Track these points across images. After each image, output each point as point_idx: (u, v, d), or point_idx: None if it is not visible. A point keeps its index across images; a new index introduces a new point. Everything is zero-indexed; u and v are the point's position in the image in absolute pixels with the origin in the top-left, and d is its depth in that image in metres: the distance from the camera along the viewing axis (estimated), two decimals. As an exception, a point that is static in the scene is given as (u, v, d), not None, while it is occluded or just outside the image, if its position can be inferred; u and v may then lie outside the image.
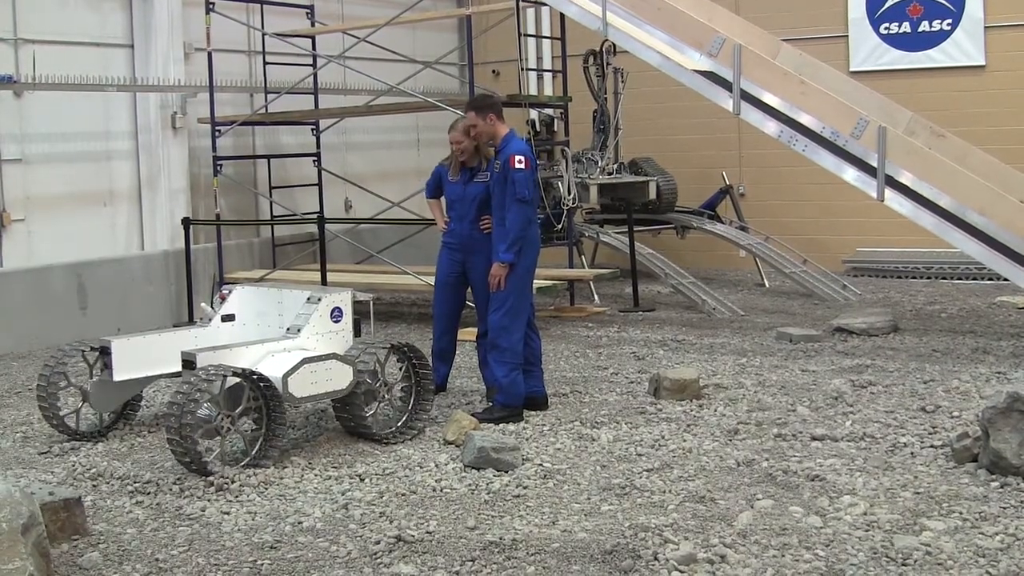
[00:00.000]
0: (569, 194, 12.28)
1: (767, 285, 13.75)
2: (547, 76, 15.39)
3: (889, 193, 9.50)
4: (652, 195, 13.58)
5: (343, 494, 6.10)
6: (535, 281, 11.27)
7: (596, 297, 12.87)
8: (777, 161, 14.35)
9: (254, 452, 6.60)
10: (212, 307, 7.83)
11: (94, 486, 6.41)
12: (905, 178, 9.48)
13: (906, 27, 14.32)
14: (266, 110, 13.43)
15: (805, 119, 9.87)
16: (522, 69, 12.96)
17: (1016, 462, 5.91)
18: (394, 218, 12.65)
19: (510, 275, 7.70)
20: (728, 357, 9.51)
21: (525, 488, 6.11)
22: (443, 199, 8.37)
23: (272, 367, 6.74)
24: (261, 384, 6.58)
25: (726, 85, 10.16)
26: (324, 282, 11.27)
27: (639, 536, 5.27)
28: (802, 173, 13.74)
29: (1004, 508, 5.54)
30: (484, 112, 7.82)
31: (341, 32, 13.95)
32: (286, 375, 6.65)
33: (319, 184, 14.16)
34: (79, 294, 11.49)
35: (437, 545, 5.28)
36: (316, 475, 6.46)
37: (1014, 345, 9.63)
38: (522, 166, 7.61)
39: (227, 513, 5.83)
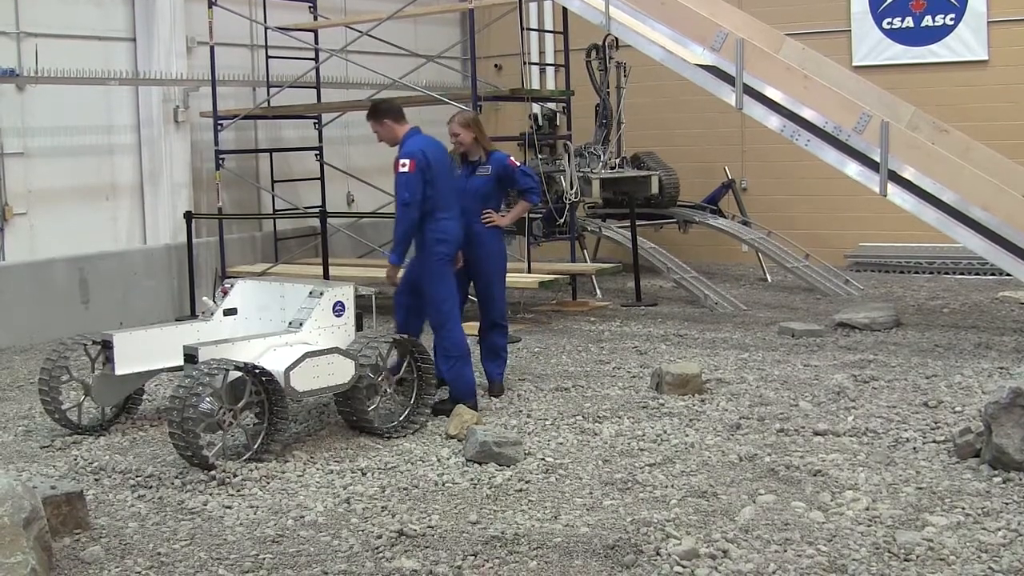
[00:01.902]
0: (571, 188, 12.28)
1: (769, 280, 13.74)
2: (549, 70, 15.39)
3: (892, 188, 9.49)
4: (654, 189, 13.56)
5: (345, 488, 6.10)
6: (543, 276, 11.37)
7: (598, 291, 12.88)
8: (780, 156, 14.33)
9: (256, 446, 6.60)
10: (214, 301, 7.84)
11: (96, 480, 6.41)
12: (908, 173, 9.47)
13: (909, 22, 14.30)
14: (268, 104, 13.42)
15: (808, 114, 9.85)
16: (525, 63, 12.96)
17: (1019, 457, 5.90)
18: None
19: (425, 274, 7.71)
20: (730, 352, 9.51)
21: (527, 483, 6.11)
22: None
23: (274, 361, 6.74)
24: (263, 378, 6.58)
25: (729, 80, 10.15)
26: (326, 276, 11.28)
27: (641, 531, 5.27)
28: (804, 168, 13.74)
29: (1006, 504, 5.53)
30: (379, 118, 7.88)
31: (343, 26, 13.93)
32: (288, 369, 6.65)
33: (321, 178, 14.15)
34: (81, 288, 11.49)
35: (439, 539, 5.28)
36: (318, 469, 6.46)
37: (1016, 340, 9.62)
38: (404, 169, 7.54)
39: (229, 507, 5.84)
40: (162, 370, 7.47)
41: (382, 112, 7.92)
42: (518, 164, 8.31)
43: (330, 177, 14.25)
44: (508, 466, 6.38)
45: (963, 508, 5.48)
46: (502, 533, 5.30)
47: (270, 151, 14.01)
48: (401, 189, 7.57)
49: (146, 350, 7.26)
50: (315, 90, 14.01)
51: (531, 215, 12.16)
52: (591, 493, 5.92)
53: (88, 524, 5.56)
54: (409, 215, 7.58)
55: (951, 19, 14.05)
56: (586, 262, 13.26)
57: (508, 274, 11.27)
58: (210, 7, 12.70)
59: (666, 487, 5.97)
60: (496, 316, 8.22)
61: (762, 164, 15.06)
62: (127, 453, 6.95)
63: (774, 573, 4.78)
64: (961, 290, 12.55)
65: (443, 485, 6.13)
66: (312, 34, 13.96)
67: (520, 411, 7.67)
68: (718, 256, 15.22)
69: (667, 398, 7.86)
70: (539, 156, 12.89)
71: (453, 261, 7.81)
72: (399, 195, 7.59)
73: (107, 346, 7.21)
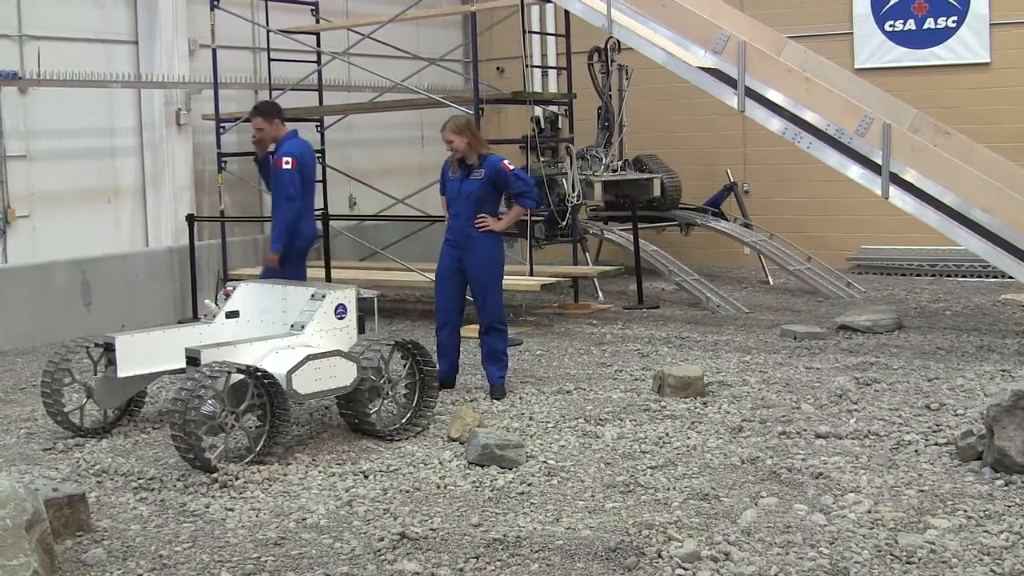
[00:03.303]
0: (573, 191, 12.28)
1: (771, 282, 13.74)
2: (552, 73, 15.40)
3: (894, 190, 9.48)
4: (656, 192, 13.57)
5: (347, 491, 6.10)
6: (545, 278, 11.41)
7: (600, 294, 12.87)
8: (781, 158, 14.34)
9: (258, 449, 6.60)
10: (216, 304, 7.83)
11: (98, 482, 6.42)
12: (910, 175, 9.46)
13: (911, 24, 14.30)
14: (270, 106, 13.41)
15: (810, 116, 9.85)
16: (527, 66, 12.95)
17: (1020, 460, 5.89)
18: (398, 215, 12.66)
19: (285, 262, 8.63)
20: (732, 354, 9.51)
21: (529, 485, 6.11)
22: None
23: (276, 364, 6.74)
24: (265, 381, 6.58)
25: (731, 82, 10.14)
26: (328, 279, 11.27)
27: (643, 533, 5.26)
28: (806, 170, 13.73)
29: (1009, 506, 5.53)
30: (271, 117, 8.82)
31: (346, 29, 13.94)
32: (290, 372, 6.66)
33: (323, 181, 14.11)
34: (83, 290, 11.50)
35: (441, 542, 5.28)
36: (320, 472, 6.46)
37: (1019, 343, 9.61)
38: (288, 166, 8.58)
39: (231, 510, 5.84)
40: (164, 373, 7.47)
41: (274, 112, 8.92)
42: (512, 168, 8.31)
43: (332, 180, 14.24)
44: (510, 469, 6.38)
45: (965, 511, 5.48)
46: (504, 536, 5.30)
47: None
48: (287, 184, 8.60)
49: (148, 353, 7.26)
50: (317, 93, 14.02)
51: (533, 218, 12.16)
52: (593, 496, 5.92)
53: (90, 526, 5.56)
54: (293, 207, 8.63)
55: (953, 21, 14.05)
56: (588, 265, 13.26)
57: (510, 277, 11.32)
58: (212, 10, 12.71)
59: (668, 490, 5.96)
60: (492, 320, 8.24)
61: (764, 167, 15.06)
62: (129, 455, 6.95)
63: (776, 576, 4.79)
64: (963, 293, 12.55)
65: (445, 488, 6.13)
66: (314, 37, 13.97)
67: (522, 414, 7.67)
68: (720, 259, 15.22)
69: (669, 401, 7.86)
70: (541, 159, 12.89)
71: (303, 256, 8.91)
72: (284, 189, 8.59)
73: (109, 348, 7.21)
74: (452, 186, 8.28)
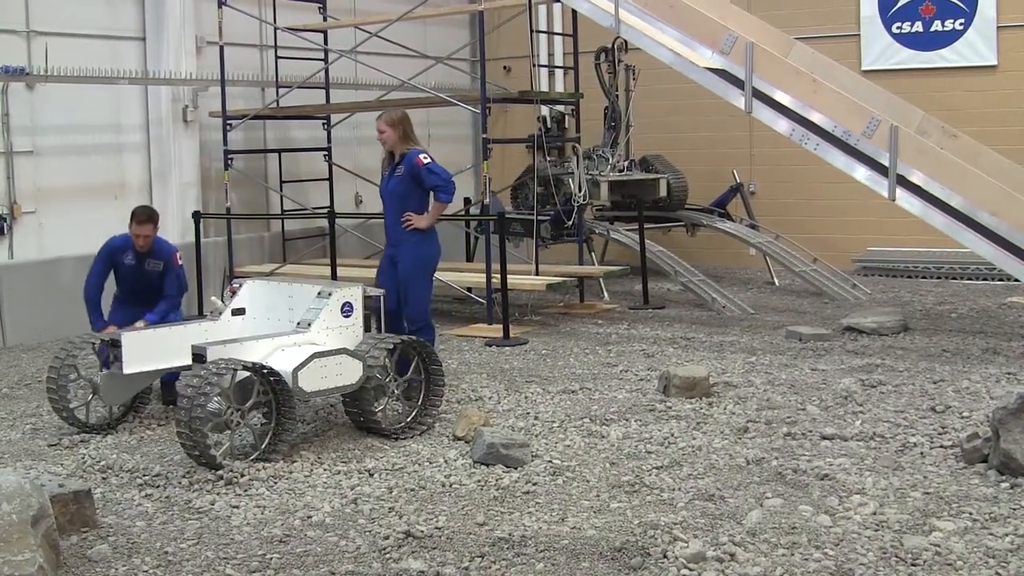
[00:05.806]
0: (580, 191, 12.27)
1: (777, 283, 13.72)
2: (559, 72, 15.40)
3: (900, 192, 9.48)
4: (663, 192, 13.56)
5: (352, 489, 6.11)
6: (551, 278, 11.42)
7: (606, 294, 12.87)
8: (788, 160, 14.32)
9: (263, 446, 6.61)
10: (222, 301, 7.84)
11: (103, 479, 6.43)
12: (916, 178, 9.46)
13: (918, 26, 14.28)
14: (277, 104, 13.44)
15: (817, 117, 9.84)
16: (534, 65, 12.95)
17: (1027, 463, 5.89)
18: (404, 213, 12.64)
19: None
20: (738, 355, 9.50)
21: (534, 485, 6.11)
22: None
23: (282, 361, 6.75)
24: (271, 378, 6.59)
25: (738, 83, 10.14)
26: (334, 277, 11.28)
27: (648, 534, 5.26)
28: (813, 172, 13.71)
29: (1014, 509, 5.52)
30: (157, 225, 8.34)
31: (353, 27, 13.93)
32: (296, 369, 6.66)
33: (330, 179, 14.17)
34: (89, 287, 11.48)
35: (446, 541, 5.28)
36: (325, 470, 6.46)
37: (1025, 346, 9.61)
38: (182, 263, 8.60)
39: (236, 507, 5.84)
40: (170, 369, 7.47)
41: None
42: (426, 161, 8.25)
43: (338, 177, 14.26)
44: (515, 468, 6.38)
45: (970, 513, 5.47)
46: (509, 535, 5.30)
47: (279, 151, 14.02)
48: (185, 281, 8.71)
49: (154, 349, 7.27)
50: (324, 91, 14.03)
51: (539, 217, 12.16)
52: (598, 495, 5.92)
53: (95, 522, 5.57)
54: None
55: (960, 24, 14.03)
56: (594, 265, 13.25)
57: (516, 276, 11.34)
58: (220, 7, 12.72)
59: (673, 490, 5.96)
60: (415, 316, 8.23)
61: (770, 168, 15.05)
62: (135, 452, 6.96)
63: (781, 577, 4.78)
64: (969, 295, 12.53)
65: (450, 486, 6.14)
66: (321, 35, 13.97)
67: (527, 413, 7.68)
68: (726, 259, 15.21)
69: (674, 401, 7.86)
70: (548, 158, 12.90)
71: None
72: (184, 286, 8.64)
73: (115, 345, 7.23)
74: (382, 184, 8.40)
